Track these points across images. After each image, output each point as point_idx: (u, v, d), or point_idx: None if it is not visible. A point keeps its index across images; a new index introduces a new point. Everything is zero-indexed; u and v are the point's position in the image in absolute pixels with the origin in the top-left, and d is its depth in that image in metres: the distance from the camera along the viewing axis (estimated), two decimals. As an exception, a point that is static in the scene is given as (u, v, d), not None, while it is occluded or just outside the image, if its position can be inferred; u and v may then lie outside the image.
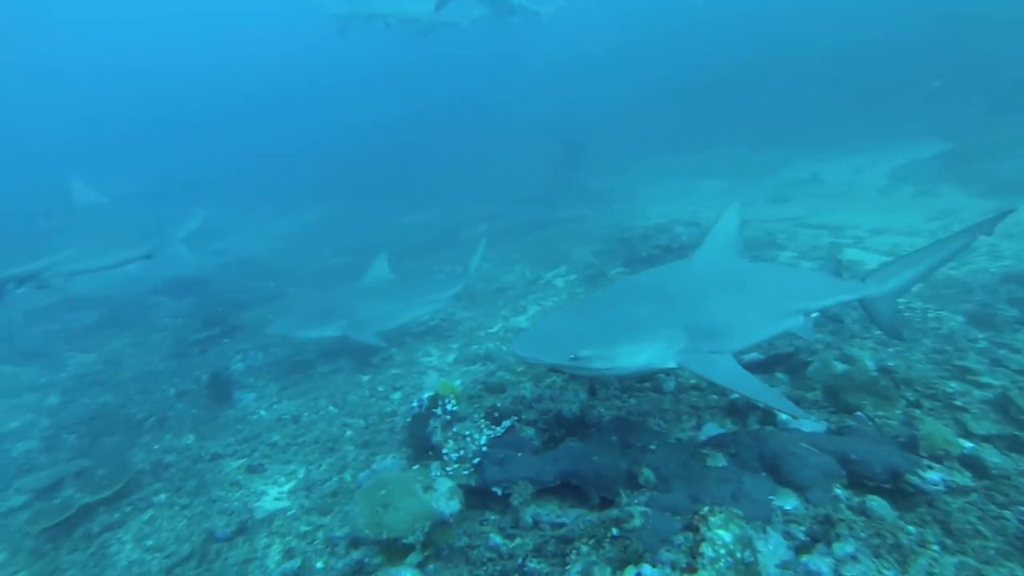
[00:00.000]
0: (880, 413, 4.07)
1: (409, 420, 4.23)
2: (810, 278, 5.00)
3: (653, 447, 3.71)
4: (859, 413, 4.07)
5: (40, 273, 6.74)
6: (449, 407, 4.14)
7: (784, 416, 4.06)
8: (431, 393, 4.35)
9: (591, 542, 2.84)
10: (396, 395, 6.46)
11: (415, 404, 4.26)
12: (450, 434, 4.05)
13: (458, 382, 5.82)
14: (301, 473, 5.24)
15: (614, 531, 2.82)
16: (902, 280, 4.49)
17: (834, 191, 14.25)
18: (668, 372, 4.12)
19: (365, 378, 7.10)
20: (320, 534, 4.33)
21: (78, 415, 7.35)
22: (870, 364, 4.73)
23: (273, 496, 5.02)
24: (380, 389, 6.66)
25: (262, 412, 6.69)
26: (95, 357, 9.45)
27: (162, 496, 5.28)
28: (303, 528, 4.48)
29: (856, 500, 3.28)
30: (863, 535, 2.97)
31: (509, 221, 15.40)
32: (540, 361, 3.28)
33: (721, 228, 4.06)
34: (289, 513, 4.72)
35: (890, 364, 4.78)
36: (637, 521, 2.84)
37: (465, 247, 13.46)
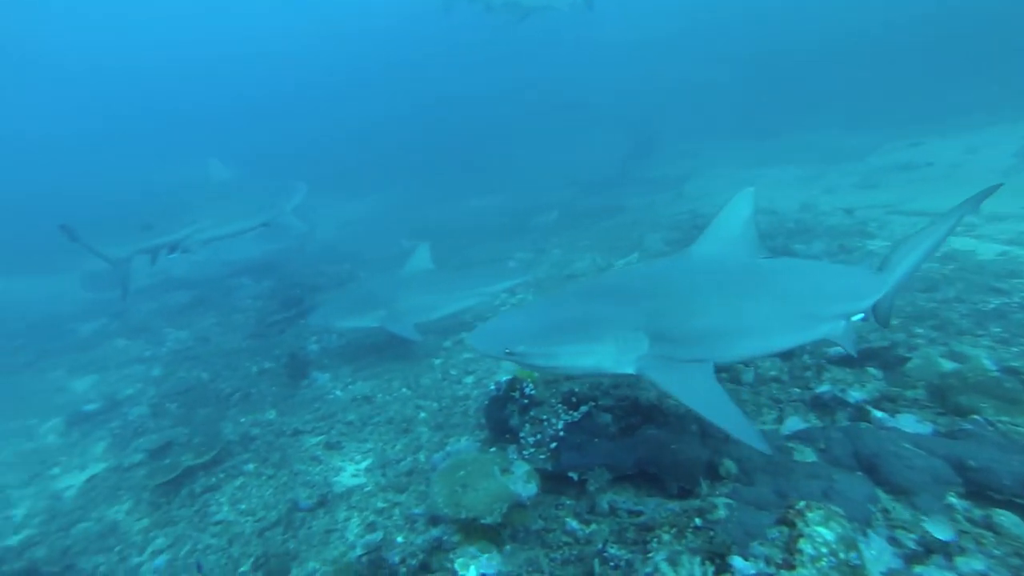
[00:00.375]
0: (1004, 418, 3.75)
1: (487, 403, 4.29)
2: (844, 275, 4.31)
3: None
4: (976, 417, 3.77)
5: (184, 240, 7.78)
6: (527, 391, 4.17)
7: (879, 415, 3.83)
8: (509, 377, 4.40)
9: (673, 531, 2.80)
10: (469, 379, 6.58)
11: (493, 387, 4.32)
12: (527, 418, 4.09)
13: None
14: (376, 452, 5.45)
15: (697, 521, 2.76)
16: (908, 267, 4.10)
17: (936, 174, 13.22)
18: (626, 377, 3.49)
19: (437, 361, 7.27)
20: (397, 511, 4.49)
21: (176, 387, 7.97)
22: (988, 364, 4.36)
23: (350, 472, 5.25)
24: (453, 373, 6.81)
25: (337, 392, 7.00)
26: (188, 334, 10.18)
27: (250, 466, 5.64)
28: (380, 504, 4.65)
29: (979, 513, 3.04)
30: (997, 553, 2.75)
31: (579, 207, 15.28)
32: (480, 352, 3.26)
33: (726, 217, 3.57)
34: (366, 489, 4.92)
35: (1016, 365, 4.40)
36: (721, 512, 2.77)
37: (536, 234, 13.53)
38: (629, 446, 3.76)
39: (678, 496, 3.56)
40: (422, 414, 5.93)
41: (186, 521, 5.09)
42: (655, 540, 2.82)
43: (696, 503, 2.96)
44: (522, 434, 4.09)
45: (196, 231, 7.91)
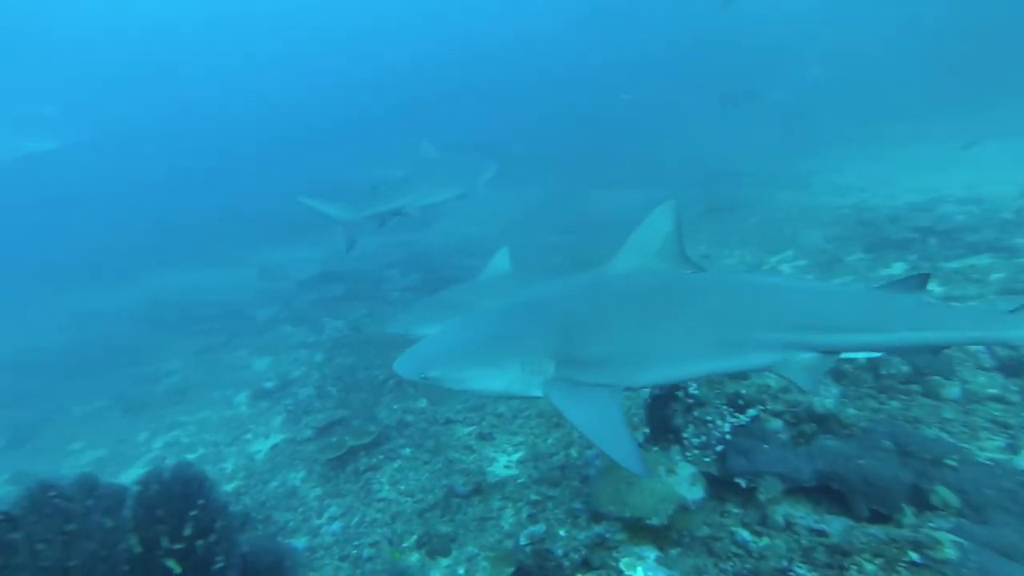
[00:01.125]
0: None
1: (648, 401, 4.23)
2: (818, 300, 3.36)
3: (952, 462, 3.19)
4: None
5: (404, 208, 8.96)
6: (691, 390, 4.06)
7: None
8: None
9: (879, 561, 2.55)
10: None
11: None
12: (691, 418, 3.97)
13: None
14: (528, 445, 5.60)
15: (913, 555, 2.49)
16: None
17: None
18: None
19: None
20: (550, 504, 4.59)
21: (335, 372, 8.81)
22: None
23: (503, 463, 5.45)
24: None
25: (486, 383, 7.29)
26: (343, 323, 11.19)
27: (407, 450, 6.08)
28: (533, 496, 4.78)
29: None
30: None
31: (724, 199, 14.49)
32: (402, 376, 3.17)
33: (645, 232, 3.31)
34: (519, 481, 5.08)
35: None
36: (950, 552, 2.46)
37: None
38: (806, 456, 3.50)
39: (868, 519, 3.25)
40: (570, 409, 5.99)
41: (353, 495, 5.62)
42: (854, 568, 2.60)
43: (906, 533, 2.67)
44: (685, 434, 3.97)
45: (414, 199, 9.04)
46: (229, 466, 7.22)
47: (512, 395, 3.16)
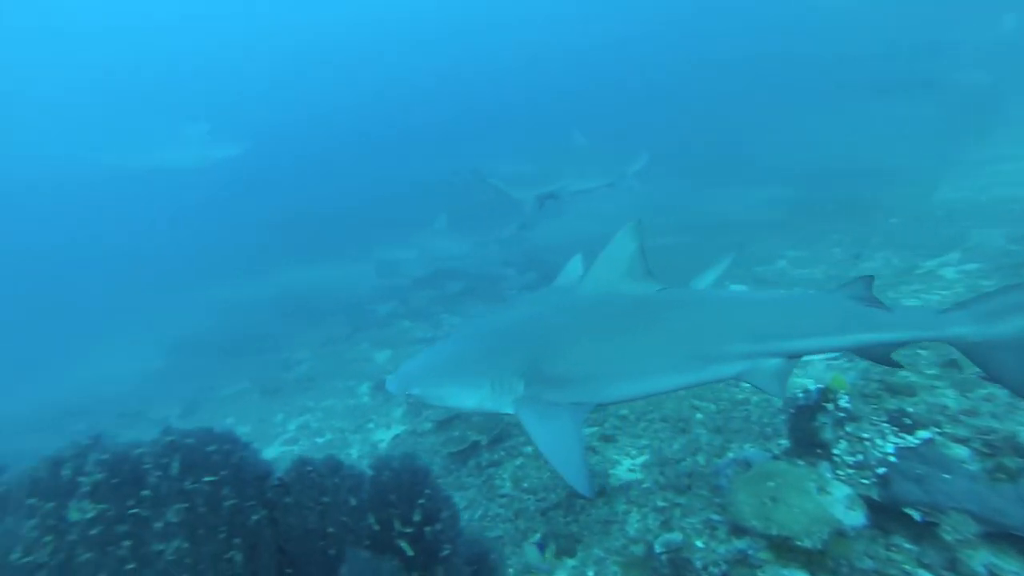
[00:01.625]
0: None
1: (791, 411, 3.98)
2: (783, 310, 3.62)
3: None
4: None
5: (559, 191, 9.70)
6: (842, 403, 3.76)
7: None
8: (818, 384, 4.02)
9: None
10: (747, 384, 6.24)
11: (801, 394, 3.99)
12: (843, 433, 3.68)
13: (848, 377, 5.27)
14: (653, 449, 5.48)
15: None
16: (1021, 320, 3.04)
17: None
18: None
19: None
20: (678, 512, 4.45)
21: (454, 367, 9.14)
22: None
23: (627, 467, 5.37)
24: (728, 376, 6.54)
25: (606, 385, 7.24)
26: (460, 320, 11.60)
27: (529, 448, 6.16)
28: (660, 503, 4.66)
29: None
30: None
31: (857, 198, 13.33)
32: (392, 394, 3.39)
33: (610, 253, 3.49)
34: (644, 485, 4.98)
35: None
36: None
37: (811, 228, 12.20)
38: (1013, 496, 3.08)
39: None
40: (698, 415, 5.79)
41: (475, 489, 5.78)
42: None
43: None
44: (836, 451, 3.69)
45: (566, 184, 9.66)
46: (355, 452, 7.72)
47: (485, 411, 3.31)
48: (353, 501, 2.70)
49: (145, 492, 2.31)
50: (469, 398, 3.28)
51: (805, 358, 3.74)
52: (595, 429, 6.13)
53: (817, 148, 20.01)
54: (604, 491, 5.04)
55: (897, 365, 3.41)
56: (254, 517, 2.53)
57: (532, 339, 3.46)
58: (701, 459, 5.07)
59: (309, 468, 2.72)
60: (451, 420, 7.24)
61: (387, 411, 8.68)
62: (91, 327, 18.37)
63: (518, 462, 5.97)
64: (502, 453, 6.19)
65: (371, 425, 8.32)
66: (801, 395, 3.97)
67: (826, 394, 3.85)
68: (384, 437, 7.81)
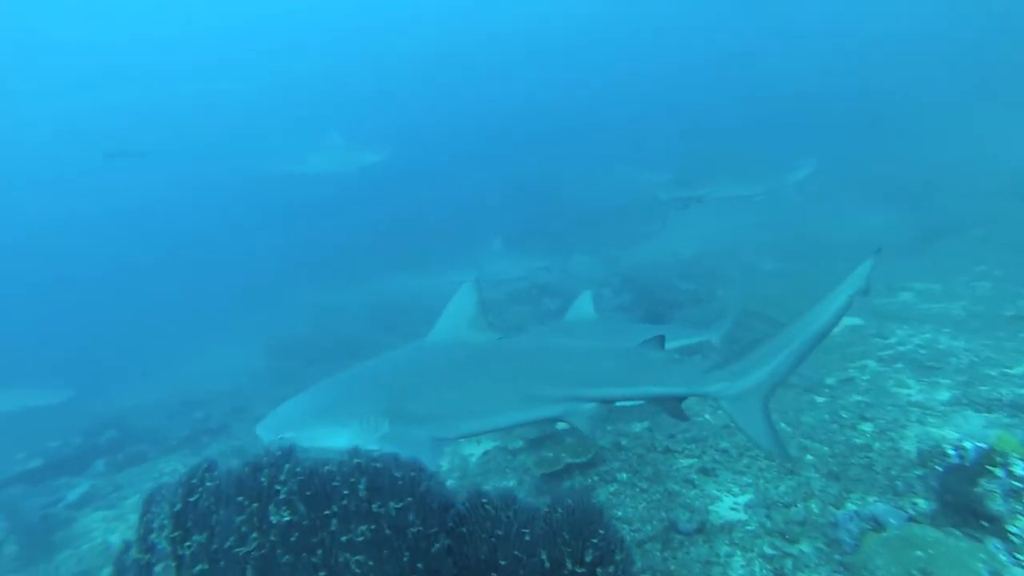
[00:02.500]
0: None
1: (941, 471, 3.62)
2: (591, 361, 4.24)
3: None
4: None
5: (706, 195, 9.72)
6: (1018, 470, 3.36)
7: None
8: (980, 444, 3.63)
9: None
10: (867, 427, 5.81)
11: (951, 452, 3.63)
12: (1020, 508, 3.28)
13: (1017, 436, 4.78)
14: (757, 489, 5.20)
15: None
16: (768, 372, 3.65)
17: None
18: None
19: (820, 400, 6.62)
20: (789, 563, 4.19)
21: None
22: None
23: (728, 504, 5.13)
24: (844, 416, 6.09)
25: (707, 415, 6.96)
26: (552, 338, 11.60)
27: (624, 475, 6.03)
28: (768, 550, 4.41)
29: None
30: None
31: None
32: (263, 438, 3.63)
33: (456, 306, 4.16)
34: (748, 528, 4.74)
35: None
36: None
37: (948, 256, 11.18)
38: None
39: None
40: (808, 456, 5.45)
41: (569, 513, 5.74)
42: None
43: None
44: (1013, 528, 3.28)
45: (714, 189, 9.62)
46: (445, 464, 7.87)
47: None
48: (527, 536, 2.77)
49: (335, 508, 2.55)
50: (340, 438, 3.67)
51: (618, 404, 4.20)
52: (693, 461, 5.93)
53: (949, 160, 18.32)
54: (703, 528, 4.85)
55: (683, 417, 4.02)
56: (436, 545, 2.69)
57: (391, 383, 3.98)
58: (815, 507, 4.75)
59: (484, 500, 2.86)
60: (542, 440, 7.23)
61: (477, 425, 8.82)
62: (213, 325, 19.94)
63: (612, 488, 5.86)
64: (596, 478, 6.10)
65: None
66: (952, 452, 3.60)
67: (992, 456, 3.46)
68: (474, 452, 7.92)
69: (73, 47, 46.93)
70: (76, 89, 46.24)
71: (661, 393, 3.92)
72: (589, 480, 6.06)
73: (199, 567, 2.44)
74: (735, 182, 9.47)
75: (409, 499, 2.64)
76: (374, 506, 2.59)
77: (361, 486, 2.61)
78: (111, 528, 7.21)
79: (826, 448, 5.53)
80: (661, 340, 4.08)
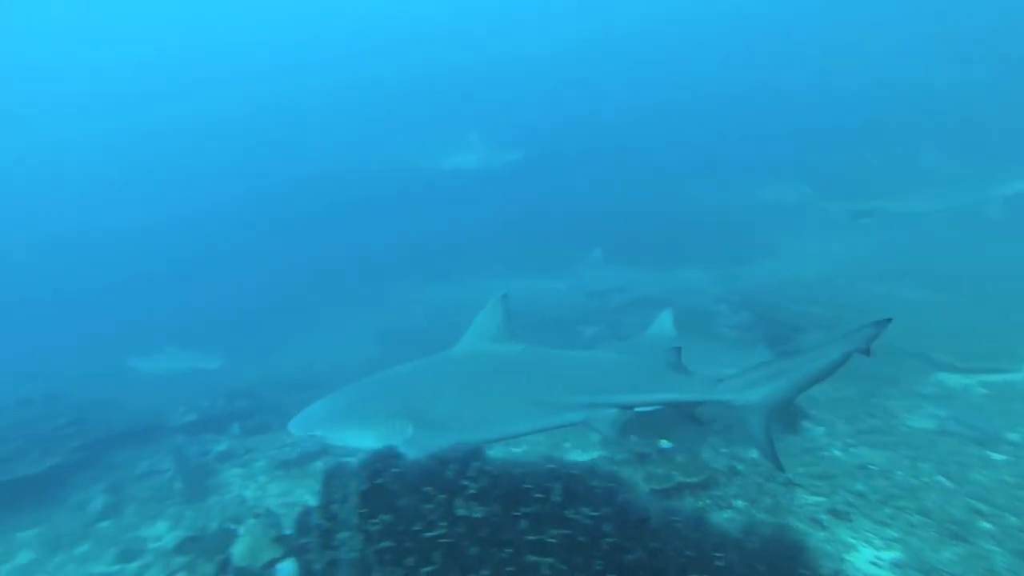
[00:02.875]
0: None
1: None
2: (611, 369, 4.50)
3: None
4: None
5: (874, 211, 9.40)
6: None
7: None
8: None
9: None
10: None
11: None
12: None
13: None
14: (909, 548, 4.57)
15: None
16: (772, 390, 3.96)
17: None
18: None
19: (999, 457, 5.77)
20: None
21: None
22: None
23: (868, 557, 4.56)
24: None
25: (836, 451, 6.34)
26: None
27: (739, 502, 5.59)
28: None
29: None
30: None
31: None
32: (294, 434, 4.05)
33: (483, 319, 4.36)
34: (894, 589, 4.18)
35: None
36: None
37: None
38: None
39: None
40: (984, 524, 4.72)
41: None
42: None
43: None
44: None
45: (891, 203, 9.22)
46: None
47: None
48: (719, 562, 2.68)
49: (526, 509, 2.57)
50: (366, 438, 3.87)
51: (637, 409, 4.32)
52: (821, 500, 5.39)
53: None
54: (838, 576, 4.35)
55: (699, 423, 4.30)
56: (630, 556, 2.65)
57: (416, 389, 4.20)
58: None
59: (676, 519, 2.82)
60: (649, 454, 6.90)
61: (585, 434, 8.59)
62: (339, 311, 21.04)
63: (726, 514, 5.44)
64: (708, 501, 5.70)
65: (567, 444, 8.31)
66: None
67: None
68: (579, 459, 7.73)
69: (229, 47, 50.63)
70: (251, 82, 49.19)
71: (679, 399, 4.16)
72: (701, 503, 5.68)
73: (385, 543, 2.58)
74: (919, 196, 8.36)
75: (607, 509, 2.61)
76: (568, 512, 2.59)
77: (556, 491, 2.61)
78: (244, 485, 7.77)
79: (1012, 518, 4.75)
80: (678, 351, 4.25)
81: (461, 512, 2.50)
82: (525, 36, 49.59)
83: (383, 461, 2.67)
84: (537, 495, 2.54)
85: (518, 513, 2.55)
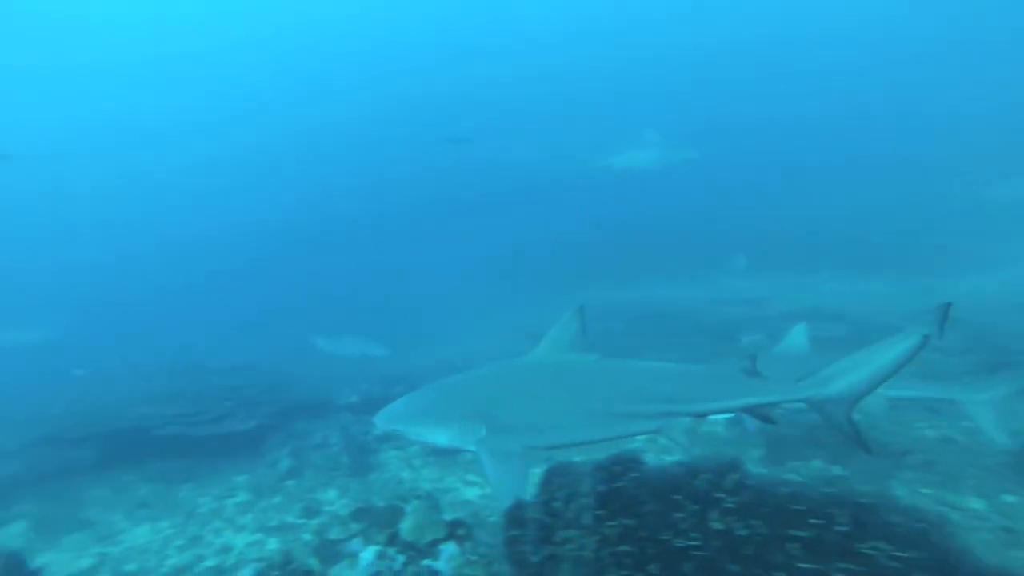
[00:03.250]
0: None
1: None
2: (685, 378, 4.49)
3: None
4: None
5: None
6: None
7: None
8: None
9: None
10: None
11: None
12: None
13: None
14: None
15: None
16: (852, 382, 4.01)
17: None
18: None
19: None
20: None
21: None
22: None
23: None
24: None
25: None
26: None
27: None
28: None
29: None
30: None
31: None
32: (378, 427, 4.44)
33: (558, 329, 4.53)
34: None
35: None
36: None
37: None
38: None
39: None
40: None
41: None
42: None
43: None
44: None
45: None
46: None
47: (453, 448, 4.19)
48: None
49: (801, 534, 2.39)
50: (441, 436, 4.17)
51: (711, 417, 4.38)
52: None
53: None
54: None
55: (772, 422, 4.28)
56: None
57: (493, 392, 4.36)
58: None
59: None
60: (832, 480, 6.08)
61: (745, 448, 7.87)
62: (492, 307, 21.55)
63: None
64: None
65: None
66: None
67: None
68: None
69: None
70: (431, 69, 48.56)
71: (757, 402, 4.18)
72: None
73: (625, 547, 2.50)
74: None
75: (917, 553, 2.24)
76: (862, 546, 2.32)
77: (840, 519, 2.37)
78: (401, 467, 8.26)
79: None
80: (754, 358, 4.26)
81: (717, 526, 2.33)
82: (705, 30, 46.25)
83: (622, 465, 2.55)
84: (813, 520, 2.24)
85: (788, 536, 2.29)
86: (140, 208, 44.25)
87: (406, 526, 4.86)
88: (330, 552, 5.20)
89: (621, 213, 27.00)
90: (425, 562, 4.67)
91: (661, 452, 7.98)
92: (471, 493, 7.15)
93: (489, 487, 4.17)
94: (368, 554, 4.81)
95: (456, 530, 4.91)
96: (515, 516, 3.47)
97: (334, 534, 5.54)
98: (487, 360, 5.14)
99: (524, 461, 3.86)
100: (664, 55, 45.64)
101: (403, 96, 46.36)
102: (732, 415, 4.94)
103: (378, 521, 5.33)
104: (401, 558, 4.72)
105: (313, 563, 5.15)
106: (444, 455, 8.18)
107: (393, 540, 4.90)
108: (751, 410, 4.23)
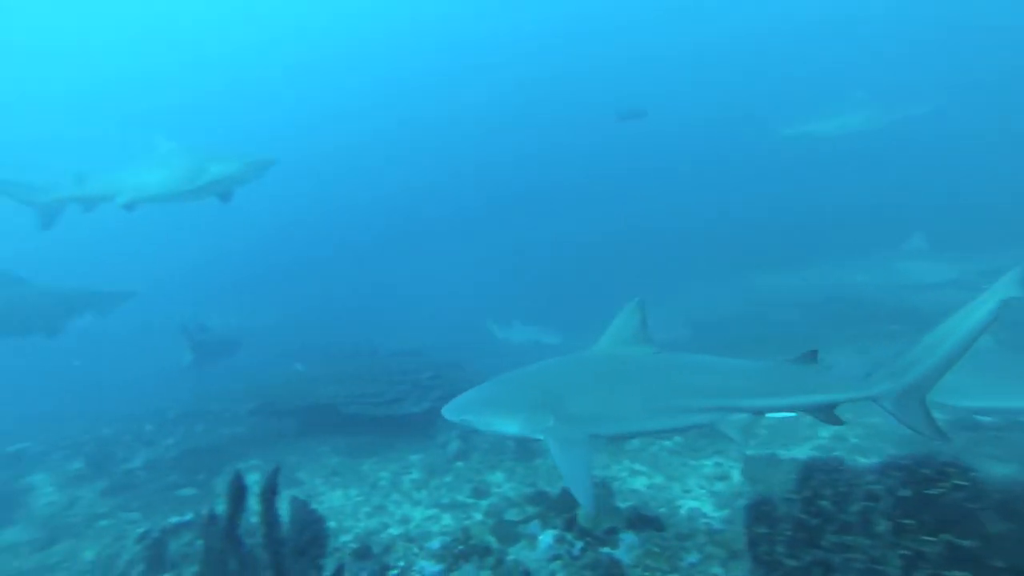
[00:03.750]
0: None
1: None
2: (746, 374, 4.40)
3: None
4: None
5: None
6: None
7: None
8: None
9: None
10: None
11: None
12: None
13: None
14: None
15: None
16: (924, 370, 3.81)
17: None
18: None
19: None
20: None
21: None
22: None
23: None
24: None
25: None
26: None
27: None
28: None
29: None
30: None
31: None
32: (447, 418, 4.48)
33: (620, 322, 4.56)
34: None
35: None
36: None
37: None
38: None
39: None
40: None
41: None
42: None
43: None
44: None
45: None
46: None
47: (522, 437, 4.47)
48: None
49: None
50: (510, 426, 4.27)
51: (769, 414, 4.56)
52: None
53: None
54: None
55: (839, 422, 4.19)
56: None
57: (558, 383, 4.45)
58: None
59: None
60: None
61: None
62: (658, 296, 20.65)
63: None
64: None
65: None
66: None
67: None
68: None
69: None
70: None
71: (822, 401, 4.09)
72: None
73: (956, 574, 2.24)
74: None
75: None
76: None
77: None
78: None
79: None
80: (814, 354, 4.14)
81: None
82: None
83: (936, 469, 2.17)
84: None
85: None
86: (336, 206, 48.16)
87: (583, 513, 4.81)
88: (508, 532, 5.25)
89: (788, 189, 24.59)
90: (604, 550, 4.58)
91: (852, 452, 7.13)
92: (639, 483, 6.97)
93: (560, 472, 4.11)
94: (547, 537, 4.81)
95: (634, 520, 4.79)
96: (762, 512, 3.20)
97: (511, 515, 5.58)
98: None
99: (587, 451, 4.05)
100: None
101: (577, 69, 43.93)
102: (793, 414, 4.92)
103: (556, 506, 5.33)
104: (579, 544, 4.68)
105: (491, 540, 5.24)
106: (612, 444, 7.97)
107: (570, 526, 4.86)
108: (817, 408, 4.16)
